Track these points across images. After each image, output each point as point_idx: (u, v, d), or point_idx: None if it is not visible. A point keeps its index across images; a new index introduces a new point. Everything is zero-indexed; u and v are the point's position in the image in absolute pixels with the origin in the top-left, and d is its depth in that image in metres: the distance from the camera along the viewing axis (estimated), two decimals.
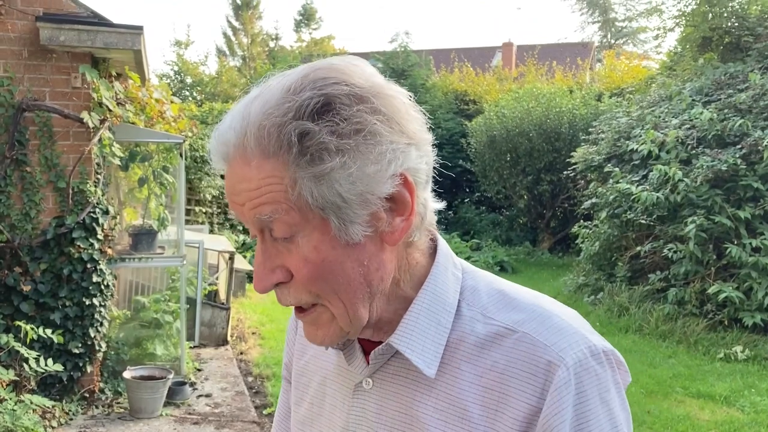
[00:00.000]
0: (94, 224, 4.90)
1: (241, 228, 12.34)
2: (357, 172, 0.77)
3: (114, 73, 5.47)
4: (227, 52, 34.44)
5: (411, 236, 0.85)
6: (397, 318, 0.87)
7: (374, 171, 0.78)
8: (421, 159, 0.83)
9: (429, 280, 0.87)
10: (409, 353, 0.85)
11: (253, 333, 7.71)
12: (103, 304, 5.05)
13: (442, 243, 0.92)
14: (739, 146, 7.95)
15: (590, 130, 11.83)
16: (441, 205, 0.91)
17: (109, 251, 5.15)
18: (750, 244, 7.41)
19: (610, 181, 9.28)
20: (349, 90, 0.78)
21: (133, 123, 5.56)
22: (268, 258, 0.81)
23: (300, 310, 0.85)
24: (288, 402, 1.10)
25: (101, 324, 5.05)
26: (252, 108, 0.79)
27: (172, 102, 6.25)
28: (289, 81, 0.79)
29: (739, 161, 7.70)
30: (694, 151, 8.41)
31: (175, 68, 24.82)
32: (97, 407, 5.07)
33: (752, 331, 7.22)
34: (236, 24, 34.49)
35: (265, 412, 5.31)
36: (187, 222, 10.47)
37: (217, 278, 7.66)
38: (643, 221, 8.56)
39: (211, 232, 10.87)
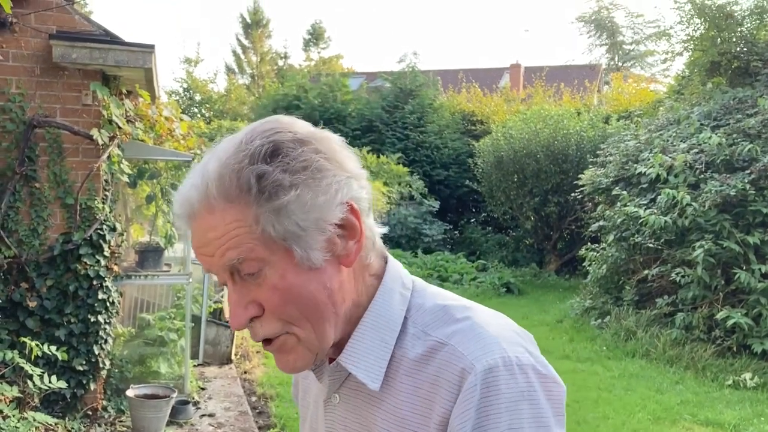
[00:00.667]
0: (101, 241, 4.90)
1: None
2: (310, 202, 0.86)
3: (124, 91, 5.50)
4: (236, 70, 34.72)
5: (366, 258, 0.94)
6: (347, 336, 0.94)
7: (324, 201, 0.87)
8: (362, 189, 0.92)
9: (374, 301, 0.95)
10: (354, 370, 0.92)
11: (257, 352, 7.67)
12: (108, 321, 5.03)
13: (392, 265, 0.98)
14: (748, 171, 7.92)
15: (598, 152, 11.81)
16: (384, 229, 0.99)
17: (116, 268, 5.15)
18: (759, 270, 7.36)
19: (618, 204, 9.25)
20: (292, 136, 0.88)
21: (142, 140, 5.58)
22: (240, 296, 0.88)
23: (267, 342, 0.91)
24: None
25: (105, 341, 5.03)
26: (209, 166, 0.88)
27: (181, 120, 6.28)
28: (239, 136, 0.89)
29: (747, 186, 7.67)
30: (702, 176, 8.38)
31: (185, 85, 24.99)
32: (99, 425, 5.03)
33: (761, 358, 7.14)
34: (246, 42, 34.81)
35: None
36: None
37: (222, 296, 7.64)
38: (650, 245, 8.51)
39: None
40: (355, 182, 0.91)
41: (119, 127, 4.96)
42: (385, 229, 0.99)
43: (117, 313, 5.36)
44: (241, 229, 0.85)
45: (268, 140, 0.87)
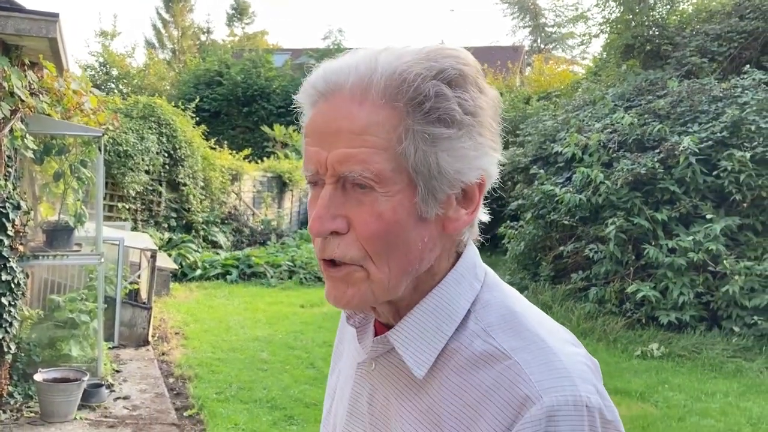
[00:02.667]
0: (3, 219, 4.66)
1: (166, 225, 12.03)
2: (463, 150, 0.81)
3: (27, 62, 5.22)
4: (156, 45, 33.61)
5: (463, 234, 0.89)
6: (410, 305, 0.88)
7: (473, 156, 0.82)
8: (495, 167, 0.86)
9: (441, 285, 0.88)
10: (401, 350, 0.86)
11: (176, 333, 7.52)
12: (12, 303, 4.81)
13: (469, 252, 0.91)
14: (658, 150, 8.25)
15: (518, 132, 12.06)
16: (486, 217, 0.92)
17: (21, 248, 4.92)
18: (666, 245, 7.69)
19: (536, 182, 9.48)
20: (475, 77, 0.83)
21: (48, 115, 5.32)
22: (333, 204, 0.80)
23: (331, 264, 0.83)
24: None
25: (11, 324, 4.81)
26: (381, 57, 0.81)
27: (91, 94, 6.02)
28: (424, 47, 0.83)
29: (657, 165, 7.99)
30: (615, 155, 8.68)
31: (101, 60, 24.03)
32: (4, 412, 4.83)
33: (667, 329, 7.50)
34: (166, 16, 33.73)
35: (185, 414, 5.18)
36: (110, 218, 10.14)
37: (138, 277, 7.44)
38: (566, 222, 8.77)
39: (135, 229, 10.55)
40: (495, 156, 0.85)
41: (22, 100, 4.71)
42: (487, 217, 0.92)
43: (23, 294, 5.14)
44: (381, 137, 0.78)
45: (457, 66, 0.81)
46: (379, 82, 0.79)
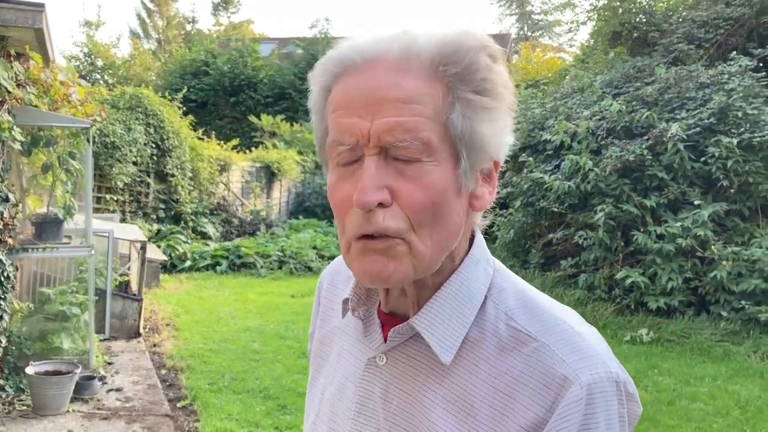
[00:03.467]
0: None
1: (154, 216, 11.98)
2: (499, 123, 0.82)
3: (13, 53, 5.16)
4: (141, 35, 33.33)
5: (478, 216, 0.89)
6: (430, 289, 0.87)
7: (505, 132, 0.84)
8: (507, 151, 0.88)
9: (461, 269, 0.87)
10: (428, 336, 0.85)
11: (167, 325, 7.50)
12: (2, 296, 4.78)
13: (480, 237, 0.92)
14: (646, 137, 8.29)
15: None
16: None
17: (10, 241, 4.89)
18: (655, 231, 7.74)
19: (525, 170, 9.50)
20: (503, 58, 0.84)
21: (35, 106, 5.27)
22: (378, 175, 0.78)
23: (369, 239, 0.81)
24: None
25: (1, 318, 4.78)
26: (418, 34, 0.81)
27: (78, 85, 5.97)
28: (459, 26, 0.83)
29: (645, 152, 8.03)
30: (603, 142, 8.71)
31: (85, 50, 23.80)
32: None
33: (656, 315, 7.57)
34: (151, 6, 33.44)
35: (178, 405, 5.18)
36: (98, 210, 10.07)
37: (128, 269, 7.41)
38: (555, 209, 8.81)
39: (123, 220, 10.50)
40: (511, 140, 0.86)
41: (8, 92, 4.66)
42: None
43: (13, 288, 5.11)
44: (429, 105, 0.78)
45: (492, 44, 0.83)
46: (428, 50, 0.79)
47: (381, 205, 0.79)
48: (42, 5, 4.50)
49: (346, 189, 0.81)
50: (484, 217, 0.92)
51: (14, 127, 4.77)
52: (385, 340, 0.90)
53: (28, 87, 5.18)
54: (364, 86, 0.79)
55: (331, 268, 1.10)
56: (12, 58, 5.10)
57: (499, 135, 0.83)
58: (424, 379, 0.86)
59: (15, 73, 4.98)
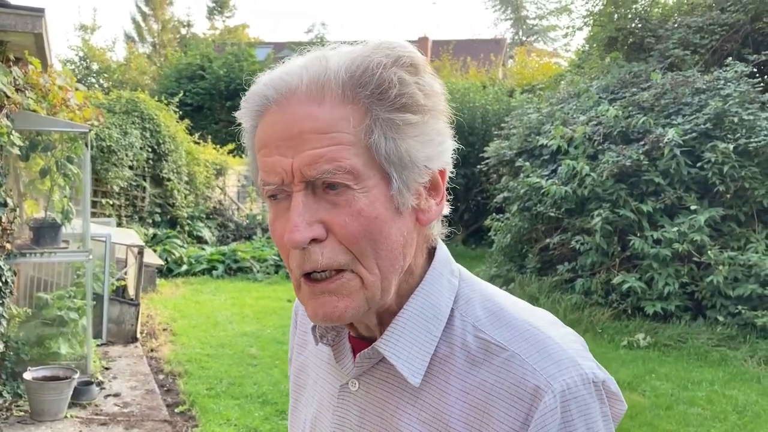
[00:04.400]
0: None
1: (150, 221, 11.95)
2: (429, 135, 0.79)
3: (12, 58, 5.16)
4: (136, 39, 33.29)
5: (432, 227, 0.86)
6: (389, 314, 0.84)
7: (438, 142, 0.81)
8: (450, 154, 0.85)
9: (423, 285, 0.85)
10: (394, 359, 0.82)
11: (164, 329, 7.48)
12: (0, 302, 4.77)
13: (442, 248, 0.89)
14: (642, 142, 8.31)
15: (502, 125, 12.10)
16: (447, 209, 0.88)
17: (8, 245, 4.87)
18: (651, 236, 7.77)
19: (521, 175, 9.52)
20: (425, 65, 0.81)
21: (33, 111, 5.26)
22: (308, 211, 0.76)
23: (314, 281, 0.79)
24: None
25: None
26: (328, 56, 0.79)
27: (76, 89, 5.97)
28: (372, 41, 0.81)
29: (642, 157, 8.05)
30: (600, 147, 8.74)
31: (80, 54, 23.76)
32: None
33: (653, 319, 7.59)
34: (146, 9, 33.39)
35: (177, 410, 5.17)
36: (94, 215, 10.05)
37: (125, 273, 7.39)
38: (552, 214, 8.82)
39: (119, 225, 10.48)
40: (451, 143, 0.84)
41: (7, 96, 4.65)
42: (447, 210, 0.88)
43: (11, 293, 5.09)
44: (347, 133, 0.75)
45: (409, 54, 0.79)
46: (338, 76, 0.77)
47: (315, 240, 0.76)
48: (41, 10, 4.50)
49: (281, 227, 0.79)
50: (447, 224, 0.90)
51: (13, 131, 4.77)
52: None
53: (26, 92, 5.18)
54: (280, 122, 0.77)
55: None
56: (11, 63, 5.10)
57: (432, 145, 0.80)
58: (398, 402, 0.84)
59: (14, 77, 4.97)
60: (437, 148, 0.80)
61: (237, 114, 0.85)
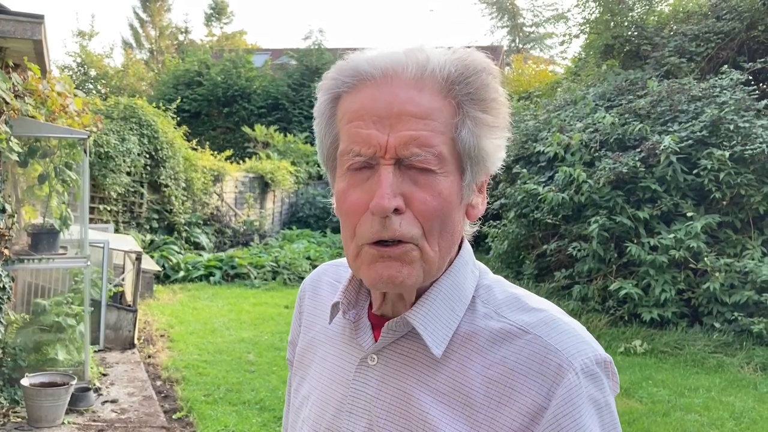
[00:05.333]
0: None
1: (148, 227, 11.94)
2: (500, 140, 0.88)
3: (11, 64, 5.17)
4: (134, 45, 33.31)
5: (473, 223, 0.95)
6: (423, 289, 0.92)
7: (503, 147, 0.90)
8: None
9: (452, 269, 0.92)
10: (421, 330, 0.88)
11: (161, 336, 7.48)
12: None
13: (467, 243, 0.98)
14: (639, 149, 8.35)
15: None
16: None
17: (6, 252, 4.87)
18: (648, 243, 7.79)
19: (518, 181, 9.55)
20: (498, 74, 0.89)
21: (32, 117, 5.27)
22: (395, 183, 0.83)
23: (383, 245, 0.85)
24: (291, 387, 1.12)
25: None
26: (428, 51, 0.86)
27: (75, 95, 5.98)
28: (455, 48, 0.88)
29: (638, 164, 8.09)
30: (597, 154, 8.77)
31: (78, 60, 23.78)
32: None
33: (650, 326, 7.60)
34: (144, 16, 33.42)
35: (174, 416, 5.16)
36: (92, 221, 10.04)
37: (123, 279, 7.39)
38: (549, 221, 8.85)
39: (117, 231, 10.47)
40: (504, 154, 0.92)
41: (6, 103, 4.66)
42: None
43: (8, 299, 5.08)
44: (441, 122, 0.83)
45: (493, 66, 0.87)
46: (443, 69, 0.84)
47: (396, 211, 0.83)
48: (41, 17, 4.52)
49: (357, 195, 0.85)
50: (473, 225, 0.97)
51: (11, 137, 4.77)
52: (376, 340, 0.94)
53: (25, 98, 5.19)
54: (381, 99, 0.83)
55: (312, 277, 1.14)
56: (10, 69, 5.11)
57: (498, 151, 0.89)
58: (418, 375, 0.90)
59: (13, 84, 4.98)
60: (500, 153, 0.90)
61: (319, 84, 0.91)
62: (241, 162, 16.17)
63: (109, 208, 11.08)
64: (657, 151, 8.06)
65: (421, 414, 0.88)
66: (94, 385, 5.51)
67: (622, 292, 7.68)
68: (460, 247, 0.96)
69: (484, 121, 0.86)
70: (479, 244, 13.75)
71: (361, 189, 0.85)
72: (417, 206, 0.83)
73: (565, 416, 0.83)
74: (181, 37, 33.87)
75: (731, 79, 8.87)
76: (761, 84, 10.32)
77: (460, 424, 0.86)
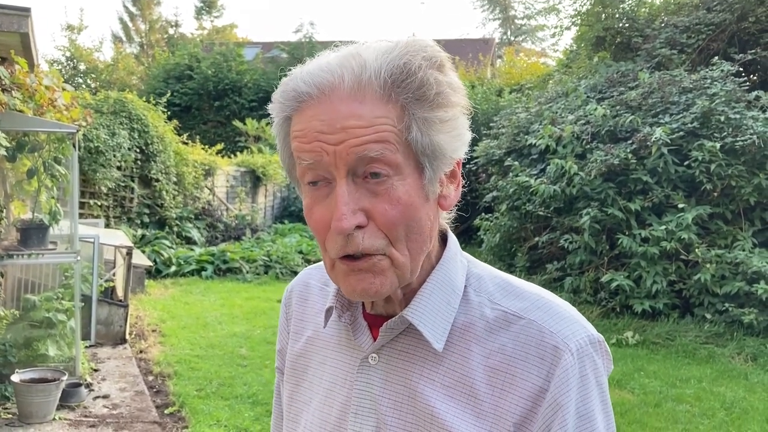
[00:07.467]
0: None
1: (139, 222, 11.89)
2: (457, 129, 0.86)
3: None
4: (124, 39, 33.12)
5: (450, 210, 0.95)
6: (410, 291, 0.92)
7: (463, 134, 0.88)
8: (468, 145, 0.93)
9: (441, 264, 0.93)
10: (421, 326, 0.89)
11: (153, 330, 7.45)
12: None
13: (451, 234, 0.98)
14: (630, 141, 8.36)
15: (491, 124, 12.13)
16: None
17: None
18: (639, 234, 7.81)
19: (510, 174, 9.55)
20: (449, 62, 0.88)
21: (20, 111, 5.23)
22: (352, 200, 0.82)
23: (352, 260, 0.85)
24: (282, 395, 1.11)
25: None
26: (364, 55, 0.83)
27: (63, 89, 5.92)
28: (397, 41, 0.86)
29: (629, 156, 8.10)
30: (588, 146, 8.78)
31: (67, 54, 23.61)
32: None
33: (641, 317, 7.63)
34: (133, 9, 33.24)
35: (166, 411, 5.15)
36: (82, 216, 9.99)
37: (114, 274, 7.35)
38: (541, 213, 8.86)
39: (108, 226, 10.42)
40: (469, 135, 0.91)
41: None
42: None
43: None
44: (388, 127, 0.81)
45: (438, 53, 0.86)
46: (379, 77, 0.82)
47: (358, 227, 0.83)
48: (28, 9, 4.47)
49: (321, 212, 0.85)
50: (450, 212, 0.97)
51: None
52: (374, 340, 0.94)
53: (12, 92, 5.14)
54: (322, 117, 0.82)
55: (298, 282, 1.12)
56: None
57: (459, 138, 0.87)
58: (420, 370, 0.91)
59: (0, 77, 4.93)
60: (462, 140, 0.88)
61: (269, 106, 0.91)
62: (232, 156, 16.12)
63: (99, 203, 11.03)
64: (648, 143, 8.07)
65: (427, 408, 0.89)
66: (86, 380, 5.49)
67: (614, 284, 7.70)
68: (446, 240, 0.96)
69: (433, 119, 0.83)
70: (471, 237, 13.78)
71: (323, 206, 0.85)
72: (378, 218, 0.83)
73: (563, 395, 0.85)
74: (171, 31, 33.70)
75: (722, 71, 8.88)
76: (752, 75, 10.34)
77: (466, 415, 0.87)
